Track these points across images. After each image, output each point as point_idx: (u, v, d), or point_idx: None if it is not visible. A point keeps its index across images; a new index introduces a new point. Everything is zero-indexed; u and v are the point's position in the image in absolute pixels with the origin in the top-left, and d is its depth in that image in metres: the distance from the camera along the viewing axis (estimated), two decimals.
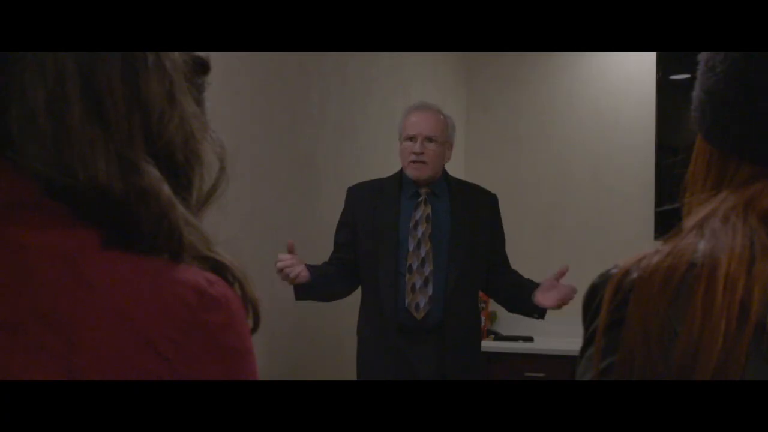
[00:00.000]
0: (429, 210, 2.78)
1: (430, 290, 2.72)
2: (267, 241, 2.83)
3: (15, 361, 0.59)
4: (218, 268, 0.69)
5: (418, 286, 2.72)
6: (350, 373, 2.80)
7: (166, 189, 0.66)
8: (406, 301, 2.70)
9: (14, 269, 0.62)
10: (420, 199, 2.79)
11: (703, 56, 0.79)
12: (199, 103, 0.74)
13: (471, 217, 2.81)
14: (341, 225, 2.87)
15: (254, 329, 0.70)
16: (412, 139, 2.78)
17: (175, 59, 0.70)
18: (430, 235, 2.75)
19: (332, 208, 3.24)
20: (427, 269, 2.72)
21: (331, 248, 3.16)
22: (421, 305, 2.70)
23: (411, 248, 2.73)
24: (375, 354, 2.71)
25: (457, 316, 2.74)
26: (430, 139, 2.78)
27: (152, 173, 0.66)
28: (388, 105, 3.72)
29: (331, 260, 2.82)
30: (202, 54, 0.74)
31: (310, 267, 2.59)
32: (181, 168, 0.70)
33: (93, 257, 0.63)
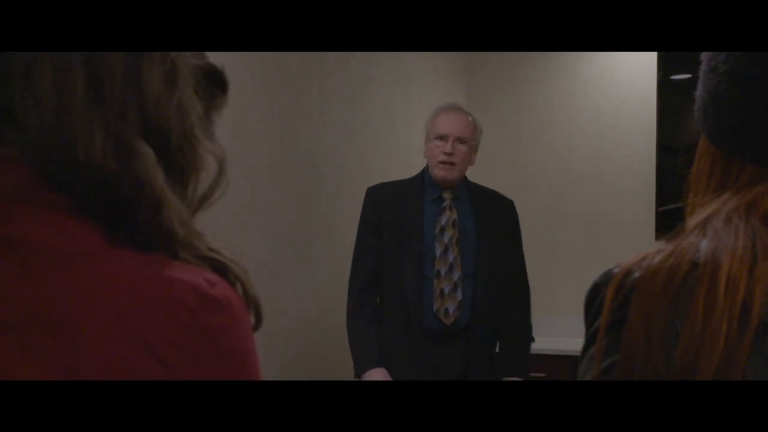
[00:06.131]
0: (455, 215, 2.75)
1: (459, 296, 2.70)
2: (267, 241, 2.83)
3: (13, 362, 0.59)
4: (219, 267, 0.68)
5: (447, 291, 2.71)
6: (350, 373, 2.80)
7: (160, 178, 0.66)
8: (435, 307, 2.69)
9: (14, 269, 0.62)
10: (445, 204, 2.76)
11: (705, 56, 0.79)
12: (209, 111, 0.74)
13: (494, 223, 2.80)
14: (365, 226, 2.80)
15: (256, 328, 0.70)
16: (442, 138, 2.75)
17: (183, 55, 0.71)
18: (457, 240, 2.73)
19: (332, 208, 3.24)
20: (456, 275, 2.71)
21: (331, 248, 3.16)
22: (451, 311, 2.70)
23: (438, 253, 2.71)
24: (398, 356, 2.69)
25: (484, 320, 2.74)
26: (461, 140, 2.76)
27: (148, 154, 0.66)
28: (388, 105, 3.72)
29: (363, 303, 2.75)
30: (217, 65, 0.75)
31: (378, 355, 2.68)
32: (174, 154, 0.69)
33: (92, 258, 0.63)
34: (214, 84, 0.75)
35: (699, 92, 0.79)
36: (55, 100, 0.64)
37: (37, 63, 0.65)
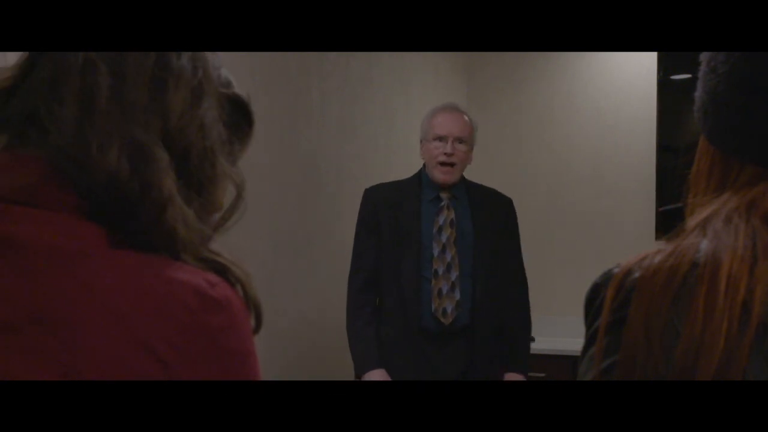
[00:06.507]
0: (452, 215, 2.75)
1: (457, 295, 2.70)
2: (267, 241, 2.83)
3: (13, 362, 0.59)
4: (219, 269, 0.69)
5: (444, 291, 2.70)
6: (350, 373, 2.80)
7: (168, 183, 0.67)
8: (433, 307, 2.69)
9: (14, 269, 0.62)
10: (443, 203, 2.76)
11: (704, 57, 0.79)
12: (231, 138, 0.77)
13: (491, 222, 2.79)
14: (363, 227, 2.79)
15: (256, 330, 0.70)
16: (441, 139, 2.74)
17: (209, 74, 0.73)
18: (454, 240, 2.73)
19: (332, 208, 3.24)
20: (454, 275, 2.71)
21: (331, 248, 3.17)
22: (449, 310, 2.70)
23: (436, 253, 2.71)
24: (398, 356, 2.69)
25: (485, 320, 2.74)
26: (460, 140, 2.75)
27: (162, 159, 0.67)
28: (388, 105, 3.72)
29: (362, 303, 2.75)
30: (243, 96, 0.78)
31: (378, 355, 2.67)
32: (194, 170, 0.71)
33: (93, 259, 0.63)
34: (239, 114, 0.78)
35: (698, 93, 0.79)
36: (78, 105, 0.66)
37: (65, 70, 0.66)
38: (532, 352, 3.87)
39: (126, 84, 0.67)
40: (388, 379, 2.63)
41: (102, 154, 0.65)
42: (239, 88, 0.80)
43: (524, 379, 2.78)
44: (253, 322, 0.70)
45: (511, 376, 2.76)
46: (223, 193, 0.75)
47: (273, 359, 2.77)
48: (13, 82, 0.69)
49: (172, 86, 0.69)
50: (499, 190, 2.95)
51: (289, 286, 2.96)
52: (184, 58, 0.71)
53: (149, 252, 0.66)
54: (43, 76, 0.68)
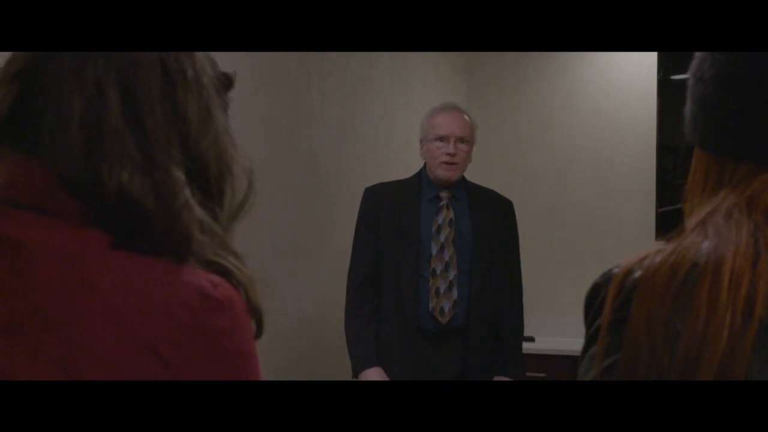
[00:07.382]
0: (452, 214, 2.76)
1: (455, 294, 2.71)
2: (267, 241, 2.84)
3: (15, 362, 0.59)
4: (222, 272, 0.69)
5: (442, 290, 2.71)
6: (350, 373, 2.80)
7: (184, 193, 0.67)
8: (430, 306, 2.69)
9: (16, 270, 0.62)
10: (442, 203, 2.76)
11: (690, 70, 0.80)
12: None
13: (490, 223, 2.80)
14: (363, 226, 2.80)
15: (257, 335, 0.70)
16: (443, 139, 2.74)
17: (210, 75, 0.73)
18: (453, 239, 2.73)
19: (332, 208, 3.24)
20: (452, 274, 2.71)
21: (331, 248, 3.17)
22: (446, 309, 2.70)
23: (434, 252, 2.72)
24: (396, 355, 2.69)
25: (481, 319, 2.74)
26: (462, 140, 2.76)
27: (176, 177, 0.67)
28: (388, 105, 3.72)
29: (360, 302, 2.75)
30: (230, 74, 0.77)
31: (375, 354, 2.68)
32: (213, 179, 0.71)
33: (96, 259, 0.63)
34: (226, 86, 0.77)
35: (687, 106, 0.81)
36: (86, 132, 0.65)
37: (70, 96, 0.66)
38: (532, 352, 3.88)
39: (136, 105, 0.66)
40: (385, 377, 2.63)
41: (112, 174, 0.64)
42: (221, 65, 0.79)
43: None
44: (253, 326, 0.70)
45: (499, 380, 2.75)
46: (240, 189, 0.75)
47: (273, 359, 2.76)
48: (9, 104, 0.67)
49: (181, 98, 0.69)
50: (499, 190, 2.95)
51: (289, 286, 2.96)
52: (189, 70, 0.70)
53: (153, 254, 0.66)
54: (44, 101, 0.66)
